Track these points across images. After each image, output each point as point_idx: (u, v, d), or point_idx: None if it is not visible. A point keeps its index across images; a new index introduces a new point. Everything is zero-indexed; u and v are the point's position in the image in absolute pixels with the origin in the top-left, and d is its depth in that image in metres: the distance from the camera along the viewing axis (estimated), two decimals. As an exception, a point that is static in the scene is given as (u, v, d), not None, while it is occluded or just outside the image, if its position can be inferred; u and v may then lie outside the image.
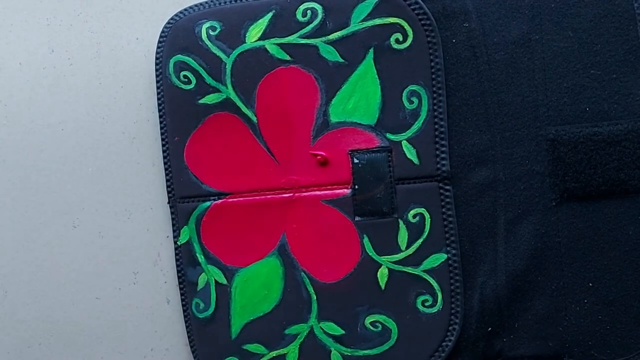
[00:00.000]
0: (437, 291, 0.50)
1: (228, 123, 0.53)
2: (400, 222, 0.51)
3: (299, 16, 0.52)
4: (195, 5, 0.54)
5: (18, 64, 0.58)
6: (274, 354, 0.53)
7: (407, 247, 0.51)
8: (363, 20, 0.51)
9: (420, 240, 0.51)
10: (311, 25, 0.52)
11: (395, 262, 0.51)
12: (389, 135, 0.51)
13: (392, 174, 0.51)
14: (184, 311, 0.55)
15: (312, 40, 0.52)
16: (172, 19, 0.55)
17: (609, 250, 0.49)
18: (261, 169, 0.53)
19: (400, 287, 0.51)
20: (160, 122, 0.55)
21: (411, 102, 0.51)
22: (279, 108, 0.52)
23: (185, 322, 0.55)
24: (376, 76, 0.51)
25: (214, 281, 0.54)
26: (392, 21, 0.51)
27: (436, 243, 0.51)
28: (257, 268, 0.53)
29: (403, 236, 0.51)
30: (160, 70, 0.55)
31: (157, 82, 0.55)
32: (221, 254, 0.54)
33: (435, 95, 0.50)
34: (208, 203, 0.54)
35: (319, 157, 0.51)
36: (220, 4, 0.54)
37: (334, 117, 0.52)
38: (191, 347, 0.55)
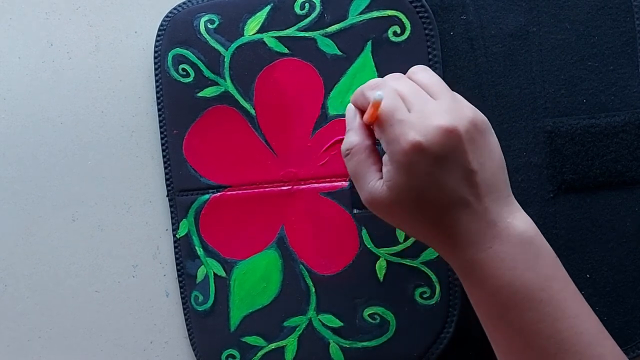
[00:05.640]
0: (435, 283, 0.50)
1: (226, 116, 0.54)
2: (399, 214, 0.51)
3: (297, 9, 0.52)
4: (194, -1, 0.55)
5: (17, 58, 0.58)
6: (272, 346, 0.53)
7: (405, 240, 0.51)
8: (361, 13, 0.51)
9: (418, 232, 0.51)
10: (309, 18, 0.52)
11: (393, 254, 0.51)
12: (387, 128, 0.51)
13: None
14: (183, 304, 0.55)
15: (310, 33, 0.52)
16: (170, 12, 0.55)
17: (607, 241, 0.49)
18: (260, 162, 0.53)
19: (398, 279, 0.51)
20: (159, 116, 0.55)
21: (409, 95, 0.51)
22: (277, 101, 0.53)
23: (185, 315, 0.55)
24: (374, 69, 0.51)
25: (212, 274, 0.54)
26: (389, 14, 0.51)
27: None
28: (256, 261, 0.53)
29: (401, 228, 0.51)
30: (159, 64, 0.55)
31: (156, 75, 0.55)
32: (220, 247, 0.54)
33: (433, 87, 0.50)
34: (207, 196, 0.54)
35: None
36: (218, -3, 0.54)
37: (332, 109, 0.52)
38: (190, 339, 0.55)
